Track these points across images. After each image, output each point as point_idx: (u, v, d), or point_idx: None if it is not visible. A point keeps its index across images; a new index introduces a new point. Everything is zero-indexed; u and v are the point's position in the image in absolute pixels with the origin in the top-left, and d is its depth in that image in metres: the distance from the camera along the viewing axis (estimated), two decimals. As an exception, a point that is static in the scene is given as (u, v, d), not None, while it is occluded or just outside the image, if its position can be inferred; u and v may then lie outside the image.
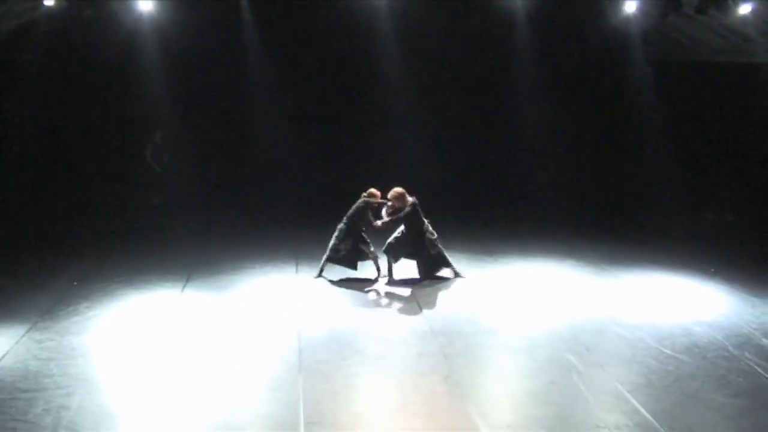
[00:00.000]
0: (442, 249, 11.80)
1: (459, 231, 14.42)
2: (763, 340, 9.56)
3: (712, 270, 12.42)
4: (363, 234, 11.72)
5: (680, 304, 10.89)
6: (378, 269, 11.84)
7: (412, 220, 11.54)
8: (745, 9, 12.83)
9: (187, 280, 11.63)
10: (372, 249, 11.76)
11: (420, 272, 11.74)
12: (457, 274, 11.89)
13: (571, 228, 14.92)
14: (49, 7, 13.52)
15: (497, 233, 14.51)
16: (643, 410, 7.59)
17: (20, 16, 13.91)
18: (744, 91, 15.40)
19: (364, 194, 11.70)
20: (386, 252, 11.75)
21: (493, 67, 17.59)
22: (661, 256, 13.14)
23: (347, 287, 11.50)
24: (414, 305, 10.71)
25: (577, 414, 7.67)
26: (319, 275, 11.78)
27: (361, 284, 11.61)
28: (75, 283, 11.41)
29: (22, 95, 15.08)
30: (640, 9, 14.58)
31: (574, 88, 17.47)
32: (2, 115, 14.95)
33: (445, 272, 11.89)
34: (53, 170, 15.64)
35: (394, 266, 11.84)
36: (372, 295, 11.20)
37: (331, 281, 11.70)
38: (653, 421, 7.37)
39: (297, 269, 12.25)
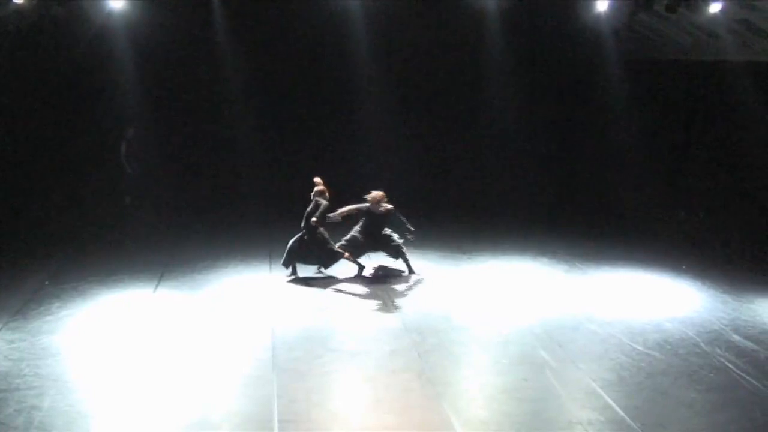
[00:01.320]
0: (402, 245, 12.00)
1: (433, 229, 14.44)
2: (734, 336, 9.68)
3: (683, 267, 12.55)
4: (323, 233, 11.74)
5: (652, 301, 10.99)
6: (358, 265, 11.98)
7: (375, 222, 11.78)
8: (715, 7, 12.92)
9: (160, 279, 11.56)
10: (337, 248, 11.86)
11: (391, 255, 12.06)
12: (410, 270, 12.06)
13: (545, 226, 14.98)
14: (17, 5, 13.36)
15: (471, 231, 14.55)
16: (615, 406, 7.65)
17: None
18: (714, 89, 15.52)
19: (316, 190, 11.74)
20: (344, 249, 11.89)
21: (467, 66, 17.62)
22: (633, 254, 13.24)
23: (321, 285, 11.49)
24: (387, 302, 10.73)
25: (550, 410, 7.72)
26: (293, 273, 11.81)
27: (334, 282, 11.62)
28: (47, 282, 11.30)
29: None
30: (611, 7, 14.66)
31: (547, 87, 17.54)
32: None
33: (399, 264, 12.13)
34: (23, 169, 15.44)
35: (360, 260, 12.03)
36: (345, 293, 11.18)
37: (305, 279, 11.70)
38: (625, 417, 7.43)
39: (271, 268, 12.21)
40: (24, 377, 8.11)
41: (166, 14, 15.33)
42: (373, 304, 10.75)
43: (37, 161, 15.64)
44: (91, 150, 16.20)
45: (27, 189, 15.23)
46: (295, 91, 17.38)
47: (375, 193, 11.90)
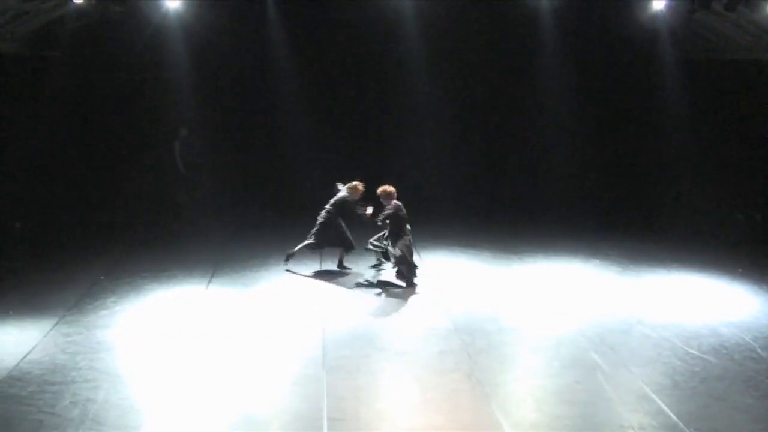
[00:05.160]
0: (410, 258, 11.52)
1: (485, 230, 14.42)
2: (792, 341, 9.46)
3: (740, 270, 12.28)
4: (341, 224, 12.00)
5: (707, 305, 10.78)
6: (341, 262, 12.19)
7: (392, 222, 11.50)
8: (775, 6, 12.68)
9: (212, 276, 11.69)
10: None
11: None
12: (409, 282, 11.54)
13: (597, 227, 14.82)
14: (77, 4, 13.65)
15: (523, 232, 14.44)
16: (668, 411, 7.53)
17: (48, 13, 14.03)
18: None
19: (347, 187, 12.04)
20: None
21: (519, 65, 17.50)
22: (687, 256, 13.00)
23: (370, 285, 11.51)
24: (437, 303, 10.70)
25: (602, 413, 7.63)
26: (287, 260, 12.05)
27: (387, 283, 11.64)
28: (102, 277, 11.52)
29: (49, 91, 15.20)
30: (668, 6, 14.45)
31: (600, 87, 17.33)
32: (31, 111, 15.05)
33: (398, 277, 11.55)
34: (81, 166, 15.76)
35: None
36: (395, 293, 11.17)
37: (354, 279, 11.74)
38: (678, 422, 7.31)
39: (321, 265, 12.28)
40: (79, 370, 8.28)
41: (220, 13, 15.50)
42: (423, 304, 10.74)
43: (93, 159, 15.95)
44: (146, 147, 16.45)
45: (83, 184, 15.54)
46: (346, 91, 17.41)
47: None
